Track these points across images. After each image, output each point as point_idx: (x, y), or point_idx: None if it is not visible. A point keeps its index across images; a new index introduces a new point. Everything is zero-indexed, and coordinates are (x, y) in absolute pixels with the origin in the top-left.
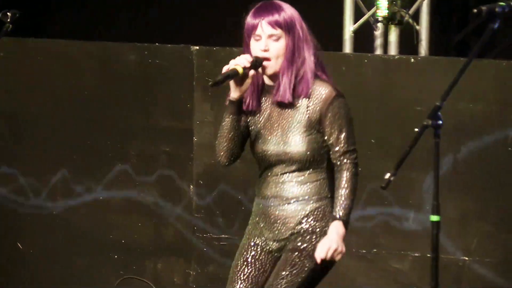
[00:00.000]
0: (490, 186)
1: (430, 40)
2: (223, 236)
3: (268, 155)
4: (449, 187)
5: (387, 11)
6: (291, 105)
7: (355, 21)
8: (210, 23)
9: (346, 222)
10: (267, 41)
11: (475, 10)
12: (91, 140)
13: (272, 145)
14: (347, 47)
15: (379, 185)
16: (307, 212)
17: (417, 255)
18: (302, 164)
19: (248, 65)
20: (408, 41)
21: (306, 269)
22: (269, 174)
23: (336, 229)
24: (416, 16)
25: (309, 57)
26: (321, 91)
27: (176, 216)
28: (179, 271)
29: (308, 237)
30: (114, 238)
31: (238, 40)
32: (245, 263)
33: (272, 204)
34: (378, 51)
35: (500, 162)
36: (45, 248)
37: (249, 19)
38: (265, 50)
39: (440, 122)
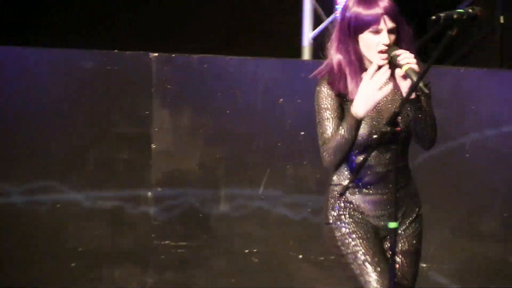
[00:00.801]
0: (447, 193)
1: None
2: (181, 243)
3: (377, 138)
4: None
5: None
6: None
7: (314, 27)
8: (169, 30)
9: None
10: (389, 35)
11: (433, 17)
12: (50, 146)
13: (381, 126)
14: (306, 54)
15: (339, 191)
16: (412, 194)
17: None
18: (405, 147)
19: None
20: None
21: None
22: (373, 158)
23: None
24: None
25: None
26: None
27: (134, 223)
28: (137, 278)
29: (418, 219)
30: (71, 246)
31: (197, 46)
32: (377, 251)
33: (386, 191)
34: None
35: (458, 168)
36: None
37: (363, 11)
38: (388, 45)
39: (399, 128)
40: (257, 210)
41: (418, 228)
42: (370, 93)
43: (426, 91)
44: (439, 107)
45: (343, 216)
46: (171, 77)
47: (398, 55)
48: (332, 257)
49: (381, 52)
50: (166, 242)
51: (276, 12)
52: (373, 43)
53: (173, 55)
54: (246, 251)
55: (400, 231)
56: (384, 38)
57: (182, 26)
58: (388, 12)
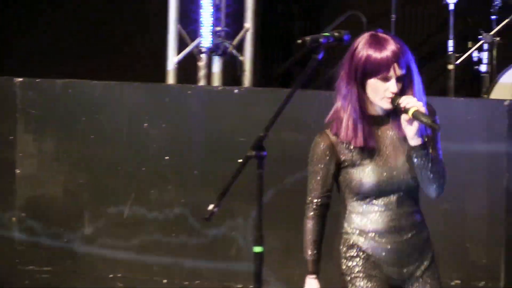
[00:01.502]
0: None
1: (254, 70)
2: (45, 268)
3: (382, 185)
4: (273, 218)
5: (211, 42)
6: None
7: (179, 51)
8: (34, 55)
9: None
10: (397, 84)
11: (299, 41)
12: None
13: (387, 174)
14: (171, 78)
15: (204, 216)
16: (425, 240)
17: (239, 286)
18: (415, 190)
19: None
20: (232, 72)
21: None
22: (382, 205)
23: None
24: (240, 47)
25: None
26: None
27: None
28: None
29: (432, 265)
30: None
31: (61, 71)
32: None
33: (396, 238)
34: (202, 82)
35: None
36: None
37: (375, 54)
38: (395, 93)
39: (264, 153)
40: (121, 235)
41: (435, 270)
42: None
43: (436, 126)
44: (305, 130)
45: (356, 267)
46: (35, 102)
47: (401, 102)
48: (197, 282)
49: (389, 99)
50: (30, 267)
51: (141, 36)
52: (381, 89)
53: (38, 80)
54: (111, 275)
55: (417, 275)
56: (393, 86)
57: (46, 51)
58: (399, 59)
